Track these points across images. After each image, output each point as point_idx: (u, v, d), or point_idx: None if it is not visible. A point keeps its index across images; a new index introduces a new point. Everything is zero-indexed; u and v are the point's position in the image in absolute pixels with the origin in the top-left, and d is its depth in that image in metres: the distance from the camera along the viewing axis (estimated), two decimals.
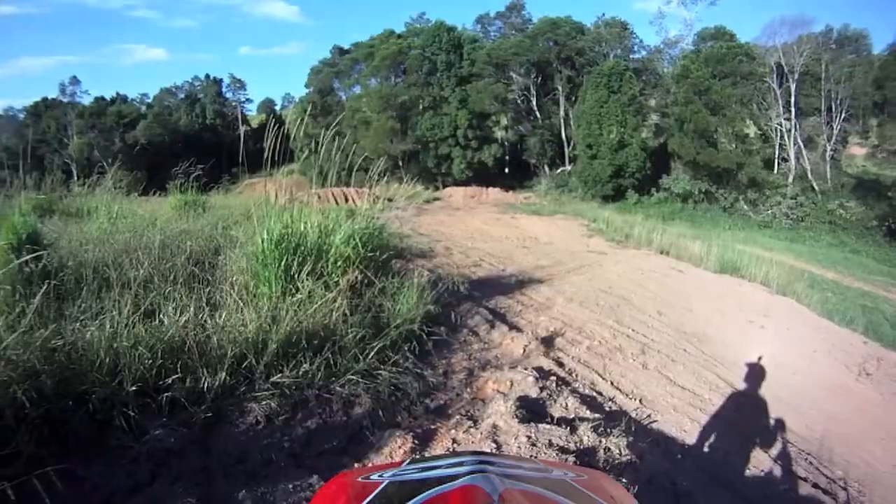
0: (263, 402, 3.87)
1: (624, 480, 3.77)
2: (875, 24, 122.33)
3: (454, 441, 3.87)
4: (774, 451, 6.61)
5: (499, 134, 57.40)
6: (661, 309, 10.33)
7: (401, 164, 49.77)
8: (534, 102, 56.74)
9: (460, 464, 1.40)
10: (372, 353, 4.53)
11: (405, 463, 1.60)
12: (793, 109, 46.67)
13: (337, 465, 3.59)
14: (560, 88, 55.77)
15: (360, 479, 1.46)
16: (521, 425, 4.06)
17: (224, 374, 3.88)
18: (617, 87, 47.31)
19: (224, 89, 79.79)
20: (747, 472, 5.88)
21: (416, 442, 3.82)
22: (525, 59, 55.09)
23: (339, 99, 64.15)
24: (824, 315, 14.49)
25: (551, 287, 9.86)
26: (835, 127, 47.37)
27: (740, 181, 45.65)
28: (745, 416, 7.13)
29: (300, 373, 4.13)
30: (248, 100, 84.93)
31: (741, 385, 7.96)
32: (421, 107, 54.70)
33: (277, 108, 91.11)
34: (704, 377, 7.79)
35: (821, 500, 5.93)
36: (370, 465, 3.58)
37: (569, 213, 26.98)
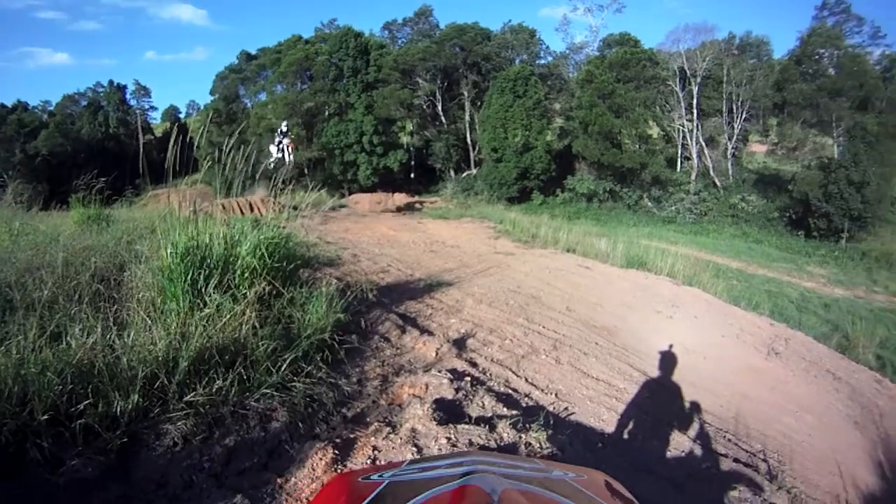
0: (179, 423, 3.72)
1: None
2: (776, 31, 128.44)
3: (375, 448, 3.82)
4: (692, 432, 6.84)
5: (404, 139, 58.02)
6: (571, 305, 10.52)
7: (306, 171, 49.86)
8: (439, 107, 57.11)
9: (460, 464, 1.44)
10: (284, 366, 4.43)
11: (405, 463, 1.63)
12: (695, 111, 48.93)
13: (259, 483, 3.48)
14: (466, 93, 56.37)
15: (360, 479, 1.47)
16: (439, 427, 4.05)
17: (136, 396, 3.69)
18: (522, 92, 48.24)
19: (128, 96, 76.70)
20: (668, 455, 6.06)
21: (337, 452, 3.74)
22: (432, 64, 55.40)
23: (244, 106, 62.99)
24: (731, 302, 15.12)
25: (460, 289, 9.91)
26: (736, 127, 49.82)
27: (644, 180, 47.32)
28: (660, 402, 7.33)
29: (213, 390, 3.99)
30: (152, 107, 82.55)
31: (654, 373, 8.19)
32: (327, 113, 54.55)
33: (182, 115, 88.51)
34: (617, 368, 7.97)
35: (743, 473, 6.16)
36: (287, 478, 3.53)
37: (475, 215, 27.28)
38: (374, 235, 15.31)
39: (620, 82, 47.61)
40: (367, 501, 1.24)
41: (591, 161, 47.96)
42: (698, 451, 6.43)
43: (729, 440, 7.11)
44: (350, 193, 45.03)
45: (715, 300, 14.48)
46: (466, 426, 4.19)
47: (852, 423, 9.82)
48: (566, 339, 8.50)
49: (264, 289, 5.02)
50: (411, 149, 57.59)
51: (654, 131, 51.31)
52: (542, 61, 62.10)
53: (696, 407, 7.44)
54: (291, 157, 25.54)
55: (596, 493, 1.36)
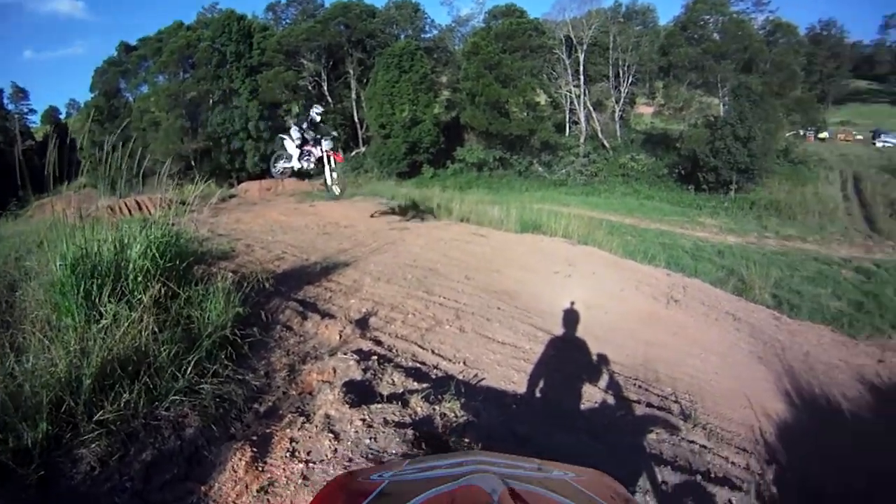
0: (93, 446, 3.51)
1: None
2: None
3: (292, 440, 3.78)
4: (603, 383, 7.10)
5: (291, 123, 56.00)
6: (469, 274, 10.69)
7: (194, 163, 48.17)
8: (325, 88, 56.49)
9: (460, 464, 1.45)
10: (189, 368, 4.26)
11: (405, 463, 1.62)
12: (582, 77, 50.10)
13: (183, 493, 3.39)
14: (351, 71, 55.99)
15: (360, 480, 1.48)
16: (353, 410, 4.05)
17: (45, 424, 3.46)
18: (408, 67, 48.28)
19: (5, 101, 70.34)
20: (582, 408, 6.25)
21: (255, 450, 3.68)
22: (316, 44, 54.64)
23: (126, 100, 59.63)
24: (627, 256, 15.79)
25: (357, 269, 9.84)
26: (623, 90, 51.58)
27: (533, 146, 48.34)
28: (568, 358, 7.55)
29: (122, 404, 3.78)
30: (31, 110, 76.15)
31: (559, 331, 8.41)
32: (211, 101, 53.02)
33: (62, 116, 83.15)
34: (522, 330, 8.13)
35: (658, 416, 6.44)
36: (210, 485, 3.48)
37: (367, 194, 27.09)
38: (267, 223, 14.98)
39: (507, 53, 48.25)
40: (366, 501, 1.24)
41: (479, 131, 48.59)
42: (611, 400, 6.67)
43: (640, 387, 7.42)
44: (239, 182, 43.81)
45: (611, 256, 14.98)
46: (379, 405, 4.20)
47: (756, 359, 10.42)
48: (468, 308, 8.62)
49: (159, 291, 4.79)
50: None
51: (542, 98, 52.30)
52: (428, 35, 62.16)
53: (603, 359, 7.69)
54: (335, 174, 14.17)
55: (596, 493, 1.35)
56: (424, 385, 4.89)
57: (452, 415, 4.35)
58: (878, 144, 51.84)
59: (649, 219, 35.56)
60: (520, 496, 1.15)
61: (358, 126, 55.76)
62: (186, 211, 6.64)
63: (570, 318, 8.71)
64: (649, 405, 6.87)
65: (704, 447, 6.14)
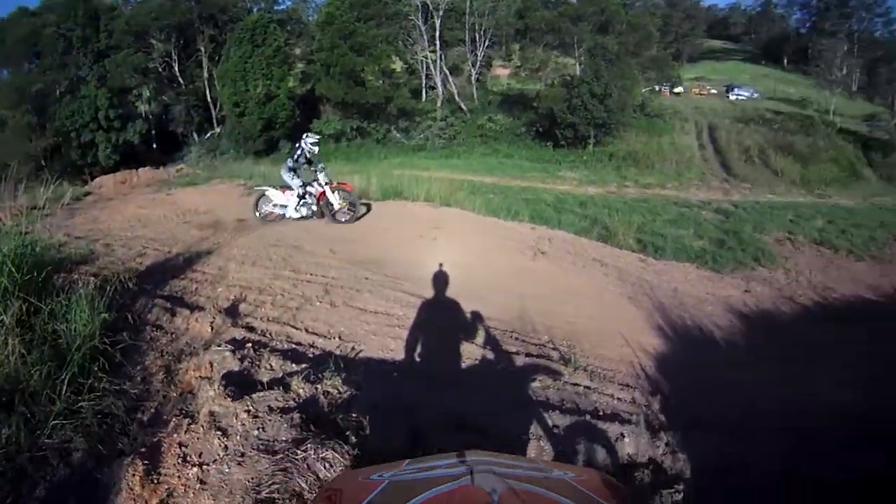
0: None
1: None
2: None
3: (181, 445, 3.69)
4: (480, 339, 7.30)
5: (142, 108, 53.41)
6: (333, 247, 10.70)
7: (44, 163, 44.05)
8: (176, 68, 54.09)
9: (460, 464, 1.45)
10: (65, 388, 4.02)
11: (405, 463, 1.60)
12: (438, 42, 50.17)
13: None
14: (203, 49, 53.72)
15: (360, 480, 1.48)
16: (236, 403, 4.02)
17: None
18: (261, 41, 46.96)
19: None
20: (464, 366, 6.44)
21: (147, 462, 3.55)
22: (166, 23, 52.00)
23: None
24: (490, 214, 16.21)
25: (221, 255, 9.64)
26: (479, 54, 52.06)
27: (390, 113, 48.31)
28: (443, 320, 7.73)
29: (3, 440, 3.53)
30: None
31: (430, 294, 8.56)
32: (58, 93, 49.00)
33: None
34: (393, 297, 8.30)
35: (539, 364, 6.72)
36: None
37: (224, 176, 26.15)
38: (125, 218, 14.15)
39: (362, 21, 47.68)
40: (366, 501, 1.26)
41: (335, 102, 48.02)
42: (491, 355, 6.89)
43: (517, 339, 7.72)
44: (93, 178, 41.23)
45: (475, 216, 15.38)
46: (261, 393, 4.18)
47: (627, 300, 11.07)
48: (336, 282, 8.68)
49: (21, 308, 4.51)
50: (150, 117, 53.31)
51: (398, 65, 52.21)
52: (281, 7, 60.69)
53: (478, 316, 7.86)
54: (341, 202, 13.24)
55: (596, 493, 1.36)
56: (303, 366, 4.90)
57: (335, 391, 4.40)
58: (732, 97, 55.53)
59: (510, 176, 36.34)
60: (520, 496, 1.17)
61: (212, 106, 53.68)
62: (39, 216, 6.31)
63: (441, 279, 8.87)
64: (529, 355, 7.15)
65: (589, 388, 6.45)
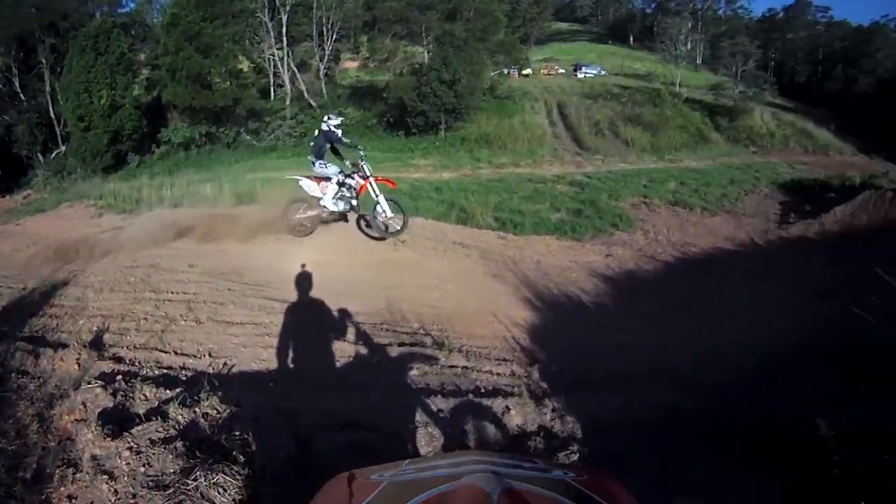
0: None
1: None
2: None
3: (71, 498, 3.53)
4: (352, 336, 7.41)
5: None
6: (192, 261, 10.28)
7: None
8: (17, 84, 50.28)
9: (460, 464, 1.46)
10: None
11: (405, 463, 1.62)
12: (285, 39, 49.27)
13: None
14: (45, 61, 49.85)
15: (360, 480, 1.47)
16: (116, 442, 3.85)
17: None
18: (104, 48, 43.92)
19: None
20: (339, 366, 6.55)
21: None
22: (4, 33, 48.39)
23: None
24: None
25: (78, 284, 9.17)
26: (327, 48, 51.50)
27: (239, 115, 46.76)
28: (311, 321, 7.77)
29: None
30: None
31: (295, 297, 8.52)
32: None
33: None
34: (258, 305, 8.23)
35: (413, 353, 6.93)
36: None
37: (73, 198, 24.62)
38: None
39: (207, 21, 45.96)
40: (367, 501, 1.27)
41: (183, 108, 46.04)
42: (364, 350, 7.04)
43: (388, 330, 7.90)
44: None
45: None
46: (140, 427, 4.03)
47: (492, 277, 11.47)
48: (199, 297, 8.49)
49: None
50: None
51: (245, 65, 51.03)
52: (126, 10, 57.73)
53: (346, 313, 7.94)
54: (388, 203, 11.14)
55: (596, 492, 1.36)
56: (178, 390, 4.81)
57: (214, 412, 4.30)
58: (580, 76, 57.31)
59: None
60: (519, 496, 1.19)
61: (55, 122, 50.31)
62: None
63: (304, 280, 8.83)
64: (402, 344, 7.35)
65: (466, 368, 6.71)
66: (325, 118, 11.33)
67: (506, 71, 54.05)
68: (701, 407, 6.67)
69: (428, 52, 51.32)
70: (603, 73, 58.24)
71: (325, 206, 11.16)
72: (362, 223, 11.80)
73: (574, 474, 1.49)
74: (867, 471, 4.12)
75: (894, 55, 55.57)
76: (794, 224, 27.43)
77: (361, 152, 11.23)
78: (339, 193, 11.16)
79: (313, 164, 11.26)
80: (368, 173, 11.08)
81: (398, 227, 11.05)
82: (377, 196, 10.99)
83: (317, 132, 11.54)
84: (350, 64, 60.87)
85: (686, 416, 6.42)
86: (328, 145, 11.24)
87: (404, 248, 12.00)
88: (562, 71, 59.39)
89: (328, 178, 11.18)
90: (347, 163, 11.28)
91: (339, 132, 11.22)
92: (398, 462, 1.60)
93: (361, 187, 11.09)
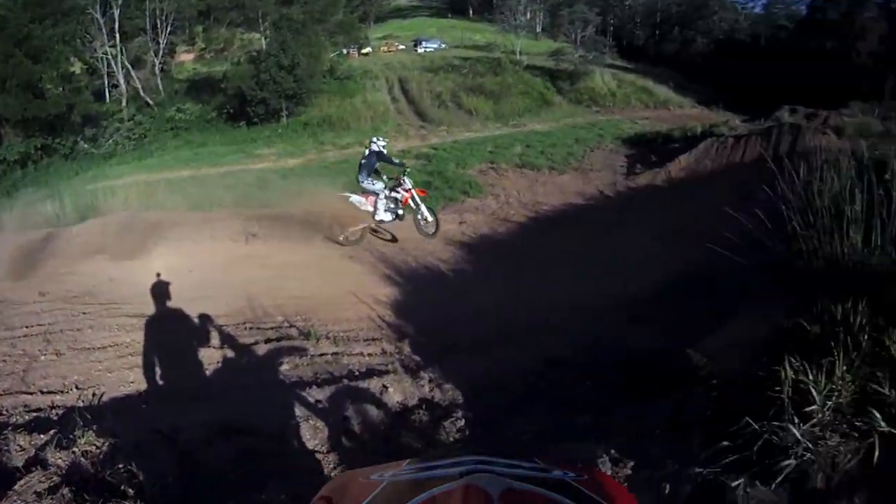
0: None
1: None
2: None
3: None
4: (216, 340, 7.38)
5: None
6: (42, 288, 9.69)
7: None
8: None
9: (460, 464, 1.41)
10: None
11: (405, 463, 1.58)
12: (118, 35, 46.70)
13: None
14: None
15: (360, 480, 1.45)
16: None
17: None
18: None
19: None
20: (208, 374, 6.50)
21: None
22: None
23: None
24: (194, 209, 16.25)
25: None
26: (162, 42, 49.16)
27: (75, 122, 43.94)
28: (173, 332, 7.64)
29: None
30: None
31: (153, 310, 8.35)
32: None
33: None
34: (116, 325, 7.93)
35: (280, 347, 7.03)
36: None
37: None
38: None
39: (37, 22, 42.75)
40: (366, 501, 1.26)
41: (15, 121, 42.93)
42: (231, 353, 7.01)
43: (252, 328, 7.94)
44: None
45: (178, 214, 14.94)
46: (22, 481, 3.74)
47: (348, 260, 11.78)
48: (55, 326, 7.98)
49: None
50: None
51: (77, 67, 48.04)
52: None
53: (207, 318, 7.86)
54: (424, 209, 13.01)
55: (596, 492, 1.34)
56: (52, 432, 4.48)
57: (93, 448, 4.08)
58: (420, 51, 57.30)
59: (207, 165, 34.76)
60: (519, 496, 1.20)
61: None
62: None
63: (160, 291, 8.65)
64: (269, 340, 7.38)
65: (336, 353, 6.85)
66: (374, 139, 13.23)
67: (346, 51, 53.60)
68: (576, 354, 7.08)
69: (265, 39, 50.12)
70: (444, 46, 58.81)
71: (377, 218, 12.93)
72: (420, 229, 13.08)
73: (574, 474, 1.46)
74: (739, 387, 4.36)
75: (730, 17, 60.29)
76: (641, 174, 29.26)
77: (406, 169, 13.53)
78: (387, 206, 12.95)
79: (362, 181, 13.02)
80: (410, 186, 12.94)
81: (434, 229, 12.92)
82: (419, 206, 12.90)
83: (367, 152, 13.20)
84: (186, 56, 58.34)
85: (564, 365, 6.80)
86: (377, 164, 13.12)
87: (257, 242, 12.08)
88: (402, 47, 59.47)
89: (376, 194, 12.96)
90: (385, 178, 13.20)
91: (385, 151, 13.21)
92: (398, 462, 1.60)
93: (405, 199, 12.88)
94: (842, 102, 32.25)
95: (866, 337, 3.82)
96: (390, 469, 1.49)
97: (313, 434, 4.82)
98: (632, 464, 4.20)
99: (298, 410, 5.12)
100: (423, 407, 5.49)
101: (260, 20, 51.28)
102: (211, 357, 6.76)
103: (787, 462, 3.36)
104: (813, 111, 30.42)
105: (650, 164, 30.37)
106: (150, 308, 8.30)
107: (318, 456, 4.74)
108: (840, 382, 3.56)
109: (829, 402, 3.51)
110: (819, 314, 4.43)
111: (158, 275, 8.93)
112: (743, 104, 41.80)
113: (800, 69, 43.52)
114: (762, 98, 39.40)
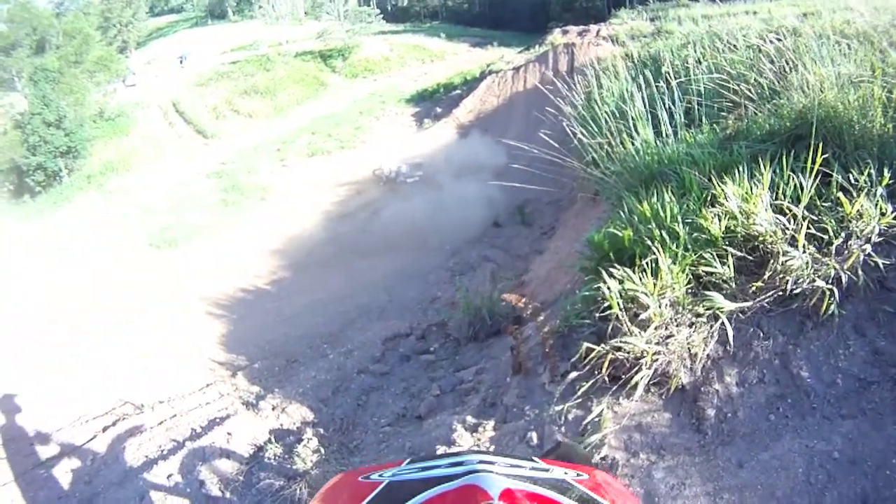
0: None
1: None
2: None
3: None
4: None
5: None
6: None
7: None
8: None
9: (460, 463, 1.44)
10: None
11: (405, 463, 1.60)
12: None
13: None
14: None
15: (360, 479, 1.48)
16: None
17: None
18: None
19: None
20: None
21: None
22: None
23: None
24: None
25: None
26: None
27: None
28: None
29: None
30: None
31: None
32: None
33: None
34: None
35: (131, 427, 6.43)
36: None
37: None
38: None
39: None
40: (366, 501, 1.28)
41: None
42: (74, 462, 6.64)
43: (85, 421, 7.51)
44: None
45: None
46: None
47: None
48: None
49: None
50: None
51: None
52: None
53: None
54: None
55: (596, 492, 1.37)
56: None
57: None
58: (183, 66, 55.22)
59: None
60: (520, 496, 1.19)
61: None
62: None
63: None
64: (105, 428, 6.55)
65: (175, 416, 6.49)
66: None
67: (111, 87, 50.89)
68: (409, 324, 7.52)
69: (26, 97, 46.69)
70: (208, 56, 57.35)
71: None
72: None
73: (574, 473, 1.50)
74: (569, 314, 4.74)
75: None
76: (430, 128, 30.27)
77: None
78: None
79: None
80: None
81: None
82: None
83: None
84: None
85: (401, 336, 7.28)
86: None
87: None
88: (169, 67, 57.39)
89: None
90: None
91: None
92: (398, 461, 1.61)
93: None
94: (610, 13, 34.74)
95: (682, 223, 3.99)
96: (390, 469, 1.52)
97: None
98: (492, 423, 4.59)
99: (154, 495, 4.91)
100: (273, 438, 5.46)
101: (17, 79, 47.58)
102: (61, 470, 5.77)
103: (641, 373, 3.55)
104: (584, 27, 32.50)
105: (437, 115, 31.60)
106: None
107: None
108: (669, 276, 3.72)
109: (664, 300, 3.68)
110: (628, 216, 4.61)
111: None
112: (518, 36, 43.74)
113: None
114: (535, 26, 41.50)
